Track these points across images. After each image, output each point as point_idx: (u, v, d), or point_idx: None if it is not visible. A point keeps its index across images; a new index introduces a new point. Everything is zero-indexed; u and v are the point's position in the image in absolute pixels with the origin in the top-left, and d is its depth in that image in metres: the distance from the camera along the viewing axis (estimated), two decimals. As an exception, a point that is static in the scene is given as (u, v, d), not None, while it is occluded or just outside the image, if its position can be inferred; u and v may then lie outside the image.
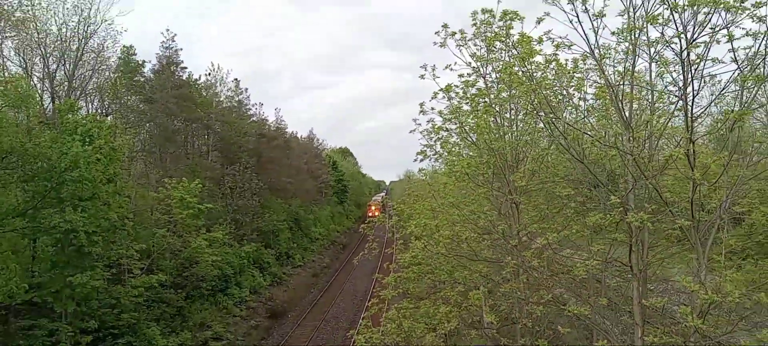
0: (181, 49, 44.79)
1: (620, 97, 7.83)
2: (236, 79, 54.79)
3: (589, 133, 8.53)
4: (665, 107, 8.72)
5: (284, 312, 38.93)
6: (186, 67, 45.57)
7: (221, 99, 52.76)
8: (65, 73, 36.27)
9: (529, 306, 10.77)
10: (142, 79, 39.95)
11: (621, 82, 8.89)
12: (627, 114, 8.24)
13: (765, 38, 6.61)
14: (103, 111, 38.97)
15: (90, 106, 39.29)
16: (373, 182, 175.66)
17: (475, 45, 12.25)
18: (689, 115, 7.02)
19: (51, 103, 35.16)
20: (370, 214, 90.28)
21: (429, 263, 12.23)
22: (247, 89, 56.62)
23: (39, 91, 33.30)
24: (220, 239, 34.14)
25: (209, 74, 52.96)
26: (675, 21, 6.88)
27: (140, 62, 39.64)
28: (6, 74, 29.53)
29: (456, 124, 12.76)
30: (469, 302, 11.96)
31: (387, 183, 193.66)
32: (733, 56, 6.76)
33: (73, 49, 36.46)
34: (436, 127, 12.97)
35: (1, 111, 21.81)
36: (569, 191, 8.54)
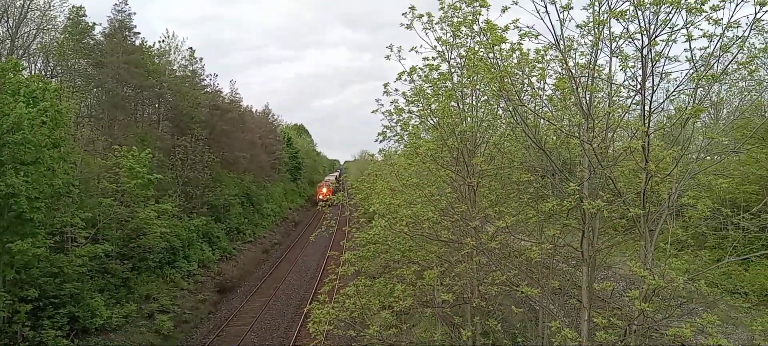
0: (135, 13, 43.11)
1: (582, 88, 8.10)
2: (191, 48, 53.25)
3: (551, 121, 8.80)
4: (622, 101, 9.07)
5: (233, 287, 38.57)
6: (139, 33, 44.12)
7: (174, 68, 51.21)
8: (8, 30, 34.46)
9: (483, 287, 11.10)
10: (91, 42, 38.32)
11: (582, 75, 9.21)
12: (586, 105, 8.55)
13: (719, 40, 6.97)
14: (48, 72, 37.22)
15: (33, 67, 37.45)
16: (327, 160, 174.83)
17: (442, 29, 12.37)
18: (646, 109, 7.35)
19: (-9, 61, 33.33)
20: (321, 196, 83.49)
21: (386, 242, 12.38)
22: (201, 59, 55.10)
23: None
24: (169, 211, 33.36)
25: (163, 41, 51.32)
26: (639, 18, 7.17)
27: (90, 24, 38.00)
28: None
29: (419, 106, 12.91)
30: (423, 281, 12.21)
31: (341, 163, 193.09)
32: (689, 56, 7.12)
33: (17, 5, 34.65)
34: (398, 108, 13.07)
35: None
36: (528, 177, 8.82)
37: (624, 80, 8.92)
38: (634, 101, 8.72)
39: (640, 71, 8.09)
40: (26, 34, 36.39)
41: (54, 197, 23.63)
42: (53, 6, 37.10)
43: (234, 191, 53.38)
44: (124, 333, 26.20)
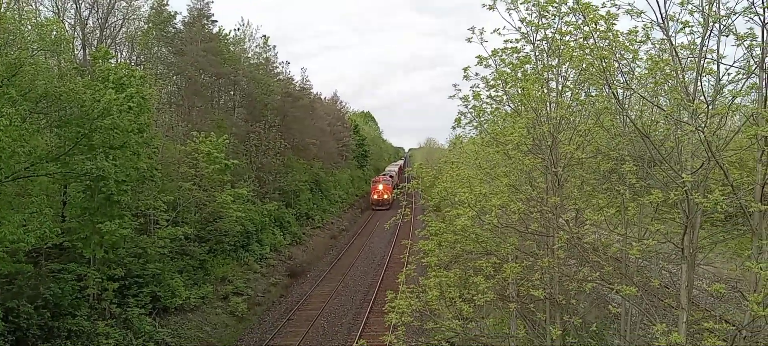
0: (213, 2, 44.37)
1: (693, 69, 7.40)
2: (265, 36, 54.48)
3: (658, 106, 8.12)
4: (733, 86, 8.26)
5: (303, 272, 39.31)
6: (216, 21, 45.34)
7: (249, 55, 52.55)
8: (98, 20, 36.28)
9: (566, 283, 10.53)
10: (172, 31, 39.81)
11: (688, 56, 8.47)
12: (695, 88, 7.84)
13: None
14: (133, 61, 39.02)
15: (119, 56, 39.38)
16: (392, 148, 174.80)
17: (527, 9, 11.78)
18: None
19: (82, 50, 35.27)
20: (376, 196, 73.01)
21: (463, 232, 11.99)
22: (274, 47, 56.39)
23: (71, 38, 33.38)
24: (244, 196, 34.31)
25: (238, 29, 52.73)
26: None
27: (172, 13, 39.45)
28: (40, 18, 29.55)
29: (499, 91, 12.39)
30: (502, 275, 11.75)
31: (406, 150, 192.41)
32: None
33: (106, -4, 36.36)
34: (476, 93, 12.60)
35: (36, 55, 21.84)
36: (630, 167, 8.18)
37: (734, 61, 8.13)
38: (746, 86, 7.95)
39: (759, 50, 7.32)
40: (113, 25, 38.26)
41: (139, 180, 24.73)
42: (138, -4, 38.77)
43: (304, 177, 54.42)
44: (201, 313, 27.22)
